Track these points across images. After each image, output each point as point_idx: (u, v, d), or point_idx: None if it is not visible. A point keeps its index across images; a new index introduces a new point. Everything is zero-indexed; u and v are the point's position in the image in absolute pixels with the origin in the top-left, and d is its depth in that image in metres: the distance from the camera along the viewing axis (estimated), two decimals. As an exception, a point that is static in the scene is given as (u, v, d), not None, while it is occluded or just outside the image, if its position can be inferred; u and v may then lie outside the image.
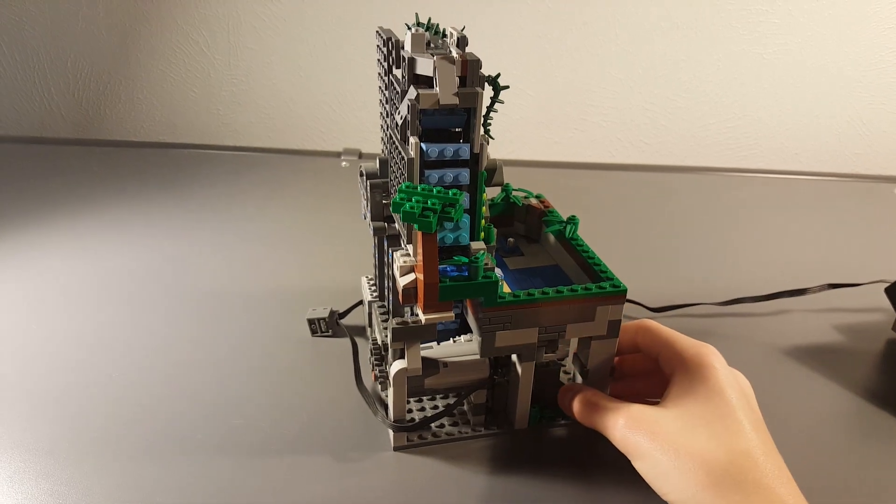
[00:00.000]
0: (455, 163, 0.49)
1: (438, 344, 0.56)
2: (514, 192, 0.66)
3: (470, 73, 0.46)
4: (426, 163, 0.49)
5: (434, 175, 0.49)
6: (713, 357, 0.49)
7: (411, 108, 0.46)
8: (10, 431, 0.58)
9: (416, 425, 0.56)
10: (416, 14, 0.53)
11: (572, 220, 0.62)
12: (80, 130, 1.35)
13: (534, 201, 0.67)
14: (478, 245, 0.51)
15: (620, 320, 0.54)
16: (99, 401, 0.62)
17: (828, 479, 0.56)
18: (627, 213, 1.08)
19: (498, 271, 0.51)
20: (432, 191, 0.46)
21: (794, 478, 0.44)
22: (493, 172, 0.54)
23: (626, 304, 0.79)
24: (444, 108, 0.46)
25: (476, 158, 0.49)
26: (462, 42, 0.47)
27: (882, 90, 1.27)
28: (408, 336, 0.51)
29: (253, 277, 0.84)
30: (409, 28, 0.50)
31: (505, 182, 0.59)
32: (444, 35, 0.51)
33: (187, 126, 1.34)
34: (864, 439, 0.61)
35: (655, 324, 0.55)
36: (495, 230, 0.56)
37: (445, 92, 0.46)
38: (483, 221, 0.53)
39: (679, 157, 1.32)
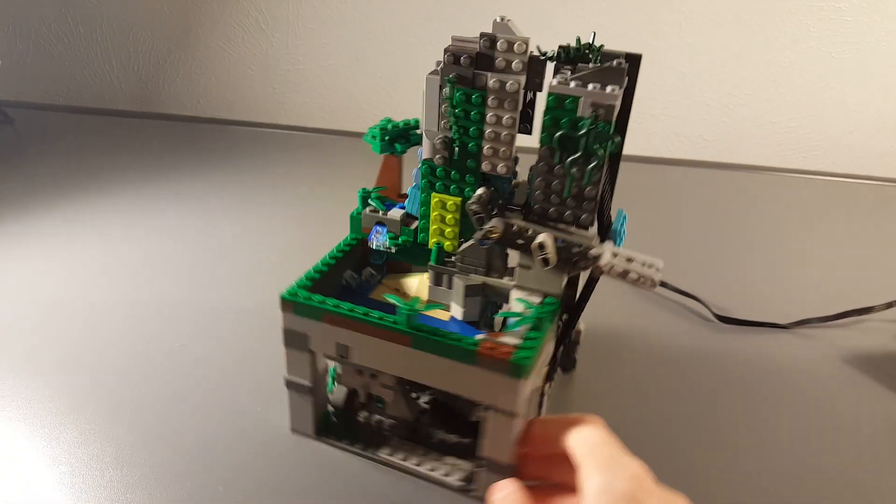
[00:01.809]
0: None
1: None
2: None
3: None
4: None
5: None
6: (588, 484, 0.41)
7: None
8: (72, 394, 0.59)
9: None
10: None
11: None
12: (138, 103, 1.37)
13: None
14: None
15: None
16: (164, 369, 0.63)
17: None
18: (683, 210, 1.06)
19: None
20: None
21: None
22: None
23: (692, 306, 0.79)
24: None
25: None
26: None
27: (955, 94, 1.23)
28: None
29: (306, 258, 0.84)
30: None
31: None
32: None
33: (243, 104, 1.35)
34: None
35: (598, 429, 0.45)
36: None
37: None
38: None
39: (739, 154, 1.29)
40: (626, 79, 0.49)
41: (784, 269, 0.89)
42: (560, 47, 0.50)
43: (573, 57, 0.49)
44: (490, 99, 0.48)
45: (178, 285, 0.77)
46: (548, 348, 0.52)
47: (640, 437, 0.59)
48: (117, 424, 0.56)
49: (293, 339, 0.52)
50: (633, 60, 0.50)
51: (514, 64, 0.47)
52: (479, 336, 0.48)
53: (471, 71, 0.49)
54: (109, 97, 1.37)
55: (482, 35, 0.48)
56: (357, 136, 1.28)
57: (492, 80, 0.48)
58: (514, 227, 0.49)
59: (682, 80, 1.25)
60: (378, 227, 0.58)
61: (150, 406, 0.59)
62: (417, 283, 0.59)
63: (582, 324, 0.64)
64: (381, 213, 0.58)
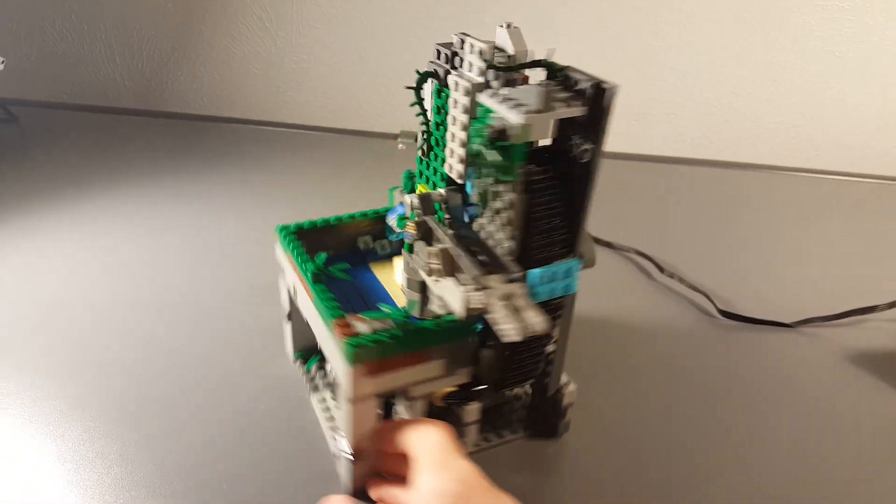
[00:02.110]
0: None
1: None
2: None
3: None
4: None
5: None
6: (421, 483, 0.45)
7: None
8: (78, 393, 0.60)
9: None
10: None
11: None
12: (142, 101, 1.37)
13: None
14: None
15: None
16: (168, 367, 0.63)
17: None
18: (687, 209, 1.06)
19: None
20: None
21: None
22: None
23: (697, 301, 0.79)
24: None
25: None
26: None
27: (958, 94, 1.22)
28: None
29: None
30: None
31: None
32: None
33: (246, 102, 1.35)
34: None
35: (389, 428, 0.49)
36: None
37: None
38: None
39: (742, 154, 1.29)
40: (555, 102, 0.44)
41: (787, 267, 0.90)
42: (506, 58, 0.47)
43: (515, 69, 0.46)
44: (450, 98, 0.48)
45: (182, 283, 0.77)
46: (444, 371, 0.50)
47: (640, 431, 0.60)
48: (121, 422, 0.57)
49: None
50: (599, 91, 0.45)
51: (474, 67, 0.46)
52: (355, 314, 0.49)
53: (444, 67, 0.49)
54: (113, 95, 1.37)
55: (460, 34, 0.48)
56: (360, 134, 1.28)
57: (450, 79, 0.47)
58: (429, 230, 0.48)
59: (684, 79, 1.25)
60: (399, 207, 0.59)
61: (154, 404, 0.59)
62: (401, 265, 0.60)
63: (572, 384, 0.57)
64: (405, 194, 0.58)
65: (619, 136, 1.28)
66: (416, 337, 0.47)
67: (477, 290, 0.42)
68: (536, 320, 0.40)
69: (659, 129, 1.29)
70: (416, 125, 0.57)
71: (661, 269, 0.85)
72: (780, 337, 0.74)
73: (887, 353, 0.72)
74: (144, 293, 0.75)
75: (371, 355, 0.46)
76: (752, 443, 0.60)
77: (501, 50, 0.47)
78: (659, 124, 1.29)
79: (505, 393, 0.60)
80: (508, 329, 0.39)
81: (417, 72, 0.50)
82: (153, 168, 1.07)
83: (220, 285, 0.77)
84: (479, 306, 0.42)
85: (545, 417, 0.58)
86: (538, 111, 0.42)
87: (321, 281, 0.53)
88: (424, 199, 0.49)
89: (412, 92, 0.52)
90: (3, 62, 1.07)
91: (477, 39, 0.47)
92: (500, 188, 0.45)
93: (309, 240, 0.58)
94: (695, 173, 1.20)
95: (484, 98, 0.44)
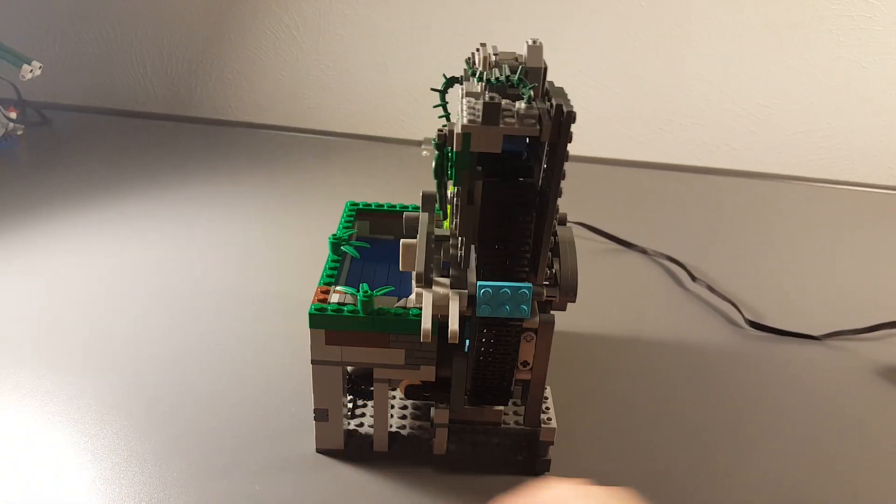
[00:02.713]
0: None
1: None
2: None
3: None
4: None
5: None
6: None
7: None
8: (112, 391, 0.61)
9: None
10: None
11: None
12: (171, 106, 1.39)
13: None
14: None
15: None
16: (201, 368, 0.64)
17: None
18: (713, 219, 1.06)
19: None
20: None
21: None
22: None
23: (725, 311, 0.79)
24: None
25: None
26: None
27: None
28: None
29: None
30: None
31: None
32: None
33: (274, 108, 1.36)
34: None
35: None
36: None
37: None
38: None
39: (767, 164, 1.28)
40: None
41: (816, 279, 0.89)
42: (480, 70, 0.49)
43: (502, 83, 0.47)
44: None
45: (213, 286, 0.78)
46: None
47: (662, 438, 0.60)
48: (155, 421, 0.58)
49: None
50: (558, 114, 0.42)
51: (478, 73, 0.48)
52: (342, 287, 0.53)
53: (468, 73, 0.51)
54: (143, 100, 1.39)
55: (480, 45, 0.51)
56: (384, 140, 1.29)
57: (465, 85, 0.49)
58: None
59: (711, 87, 1.25)
60: None
61: (188, 404, 0.60)
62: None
63: (554, 421, 0.54)
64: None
65: (644, 144, 1.29)
66: (372, 320, 0.50)
67: (421, 288, 0.47)
68: (450, 329, 0.44)
69: (684, 138, 1.29)
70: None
71: (694, 278, 0.85)
72: (807, 349, 0.74)
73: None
74: (175, 295, 0.76)
75: (327, 323, 0.50)
76: (774, 454, 0.59)
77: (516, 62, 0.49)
78: (684, 133, 1.29)
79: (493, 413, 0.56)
80: (421, 329, 0.45)
81: (444, 76, 0.51)
82: (182, 172, 1.09)
83: (251, 288, 0.78)
84: (413, 305, 0.46)
85: (523, 452, 0.56)
86: (480, 123, 0.42)
87: (338, 251, 0.58)
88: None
89: (436, 98, 0.53)
90: (40, 67, 1.10)
91: (484, 51, 0.49)
92: (451, 193, 0.47)
93: (372, 220, 0.65)
94: (720, 183, 1.20)
95: (458, 102, 0.46)
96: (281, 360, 0.66)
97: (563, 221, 0.53)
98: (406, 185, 1.08)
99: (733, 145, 1.28)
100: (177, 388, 0.62)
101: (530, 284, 0.45)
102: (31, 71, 1.08)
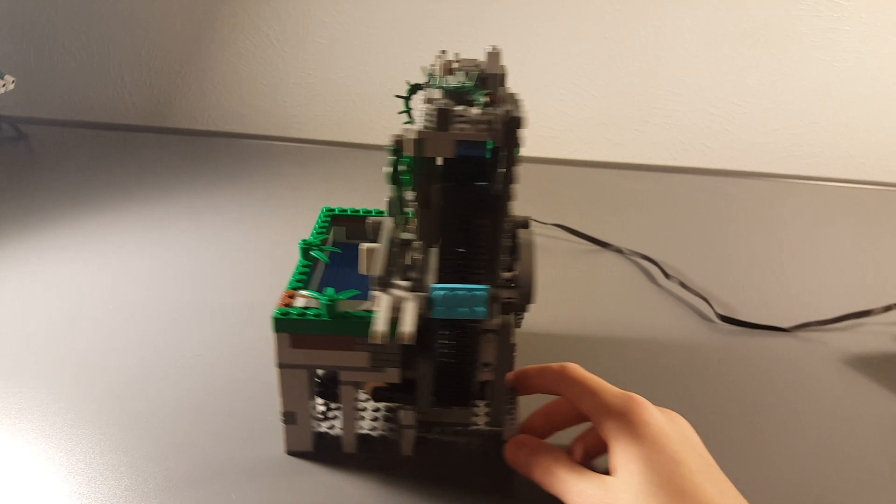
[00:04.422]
0: None
1: None
2: None
3: None
4: None
5: None
6: (643, 411, 0.46)
7: None
8: (86, 405, 0.61)
9: None
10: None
11: None
12: (151, 118, 1.39)
13: None
14: None
15: None
16: (176, 379, 0.65)
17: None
18: (688, 218, 1.07)
19: None
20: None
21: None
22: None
23: (696, 305, 0.80)
24: None
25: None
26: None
27: (958, 100, 1.23)
28: None
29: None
30: None
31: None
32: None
33: (255, 117, 1.37)
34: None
35: (579, 370, 0.51)
36: None
37: None
38: None
39: (742, 162, 1.30)
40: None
41: (786, 273, 0.91)
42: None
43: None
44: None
45: (191, 297, 0.79)
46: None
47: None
48: (131, 434, 0.58)
49: None
50: (509, 120, 0.43)
51: (433, 80, 0.50)
52: (307, 291, 0.54)
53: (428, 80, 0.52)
54: (122, 112, 1.39)
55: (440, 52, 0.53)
56: (367, 148, 1.30)
57: (426, 92, 0.50)
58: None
59: (686, 88, 1.26)
60: None
61: (163, 415, 0.60)
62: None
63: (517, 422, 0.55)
64: None
65: (621, 145, 1.30)
66: (334, 323, 0.51)
67: (377, 291, 0.48)
68: (402, 329, 0.44)
69: (660, 138, 1.30)
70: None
71: (667, 275, 0.87)
72: (777, 341, 0.75)
73: (882, 355, 0.73)
74: (153, 308, 0.76)
75: (291, 328, 0.51)
76: (747, 445, 0.60)
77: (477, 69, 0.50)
78: (660, 133, 1.30)
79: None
80: (373, 329, 0.45)
81: (408, 83, 0.53)
82: (162, 184, 1.09)
83: (230, 298, 0.79)
84: (371, 307, 0.47)
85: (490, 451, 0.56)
86: (432, 129, 0.43)
87: (309, 256, 0.59)
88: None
89: (417, 105, 0.54)
90: (13, 81, 1.10)
91: (444, 58, 0.51)
92: (409, 198, 0.48)
93: (349, 226, 0.67)
94: (696, 182, 1.22)
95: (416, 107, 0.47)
96: (265, 369, 0.67)
97: (525, 224, 0.54)
98: (387, 192, 1.09)
99: (708, 144, 1.30)
100: (153, 399, 0.62)
101: (487, 286, 0.46)
102: (4, 85, 1.08)
